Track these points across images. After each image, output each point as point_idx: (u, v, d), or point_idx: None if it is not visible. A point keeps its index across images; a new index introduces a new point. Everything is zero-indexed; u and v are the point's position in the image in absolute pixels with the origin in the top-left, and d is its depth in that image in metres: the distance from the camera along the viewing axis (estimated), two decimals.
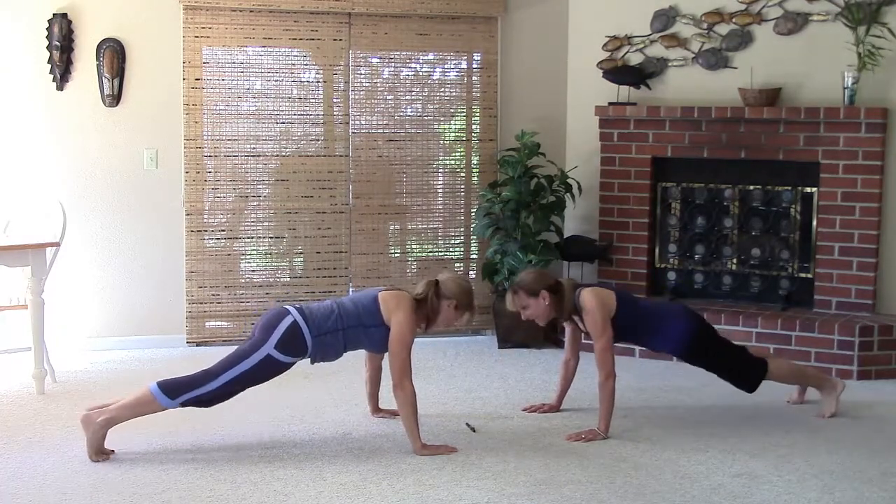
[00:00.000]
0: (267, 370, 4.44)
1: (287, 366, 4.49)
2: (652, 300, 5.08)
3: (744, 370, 4.98)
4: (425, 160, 6.92)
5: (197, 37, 6.43)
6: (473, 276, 7.02)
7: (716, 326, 6.11)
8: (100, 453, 4.33)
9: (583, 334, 5.01)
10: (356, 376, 5.11)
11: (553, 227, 6.72)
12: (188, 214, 6.51)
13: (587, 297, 4.80)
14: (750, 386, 4.98)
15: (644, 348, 4.80)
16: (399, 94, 6.86)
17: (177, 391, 4.34)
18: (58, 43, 6.19)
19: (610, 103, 6.75)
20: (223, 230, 6.60)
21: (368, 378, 4.98)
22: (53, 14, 6.20)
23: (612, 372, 4.72)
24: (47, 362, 5.52)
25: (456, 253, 7.06)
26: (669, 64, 6.72)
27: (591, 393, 5.35)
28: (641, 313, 4.94)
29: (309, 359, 4.55)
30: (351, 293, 4.67)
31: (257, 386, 4.50)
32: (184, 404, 4.37)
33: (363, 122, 6.78)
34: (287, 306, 4.54)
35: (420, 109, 6.91)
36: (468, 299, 4.68)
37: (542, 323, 4.95)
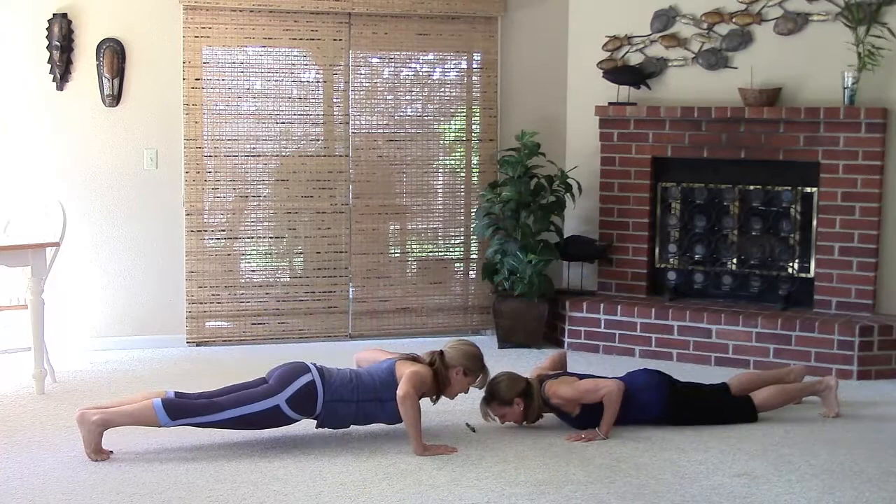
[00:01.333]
0: (270, 420, 4.46)
1: (290, 421, 4.50)
2: (619, 376, 5.04)
3: (733, 413, 4.98)
4: (425, 160, 6.92)
5: (197, 37, 6.43)
6: (473, 276, 7.02)
7: (715, 327, 6.16)
8: (98, 452, 4.32)
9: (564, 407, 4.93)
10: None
11: (553, 227, 6.71)
12: (188, 214, 6.51)
13: (548, 386, 4.80)
14: (750, 417, 4.99)
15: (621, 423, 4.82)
16: (399, 94, 6.86)
17: (178, 414, 4.35)
18: (58, 43, 6.19)
19: (610, 103, 6.75)
20: (223, 230, 6.60)
21: None
22: (53, 14, 6.20)
23: (615, 387, 4.72)
24: (47, 362, 5.52)
25: (456, 253, 7.06)
26: (669, 64, 6.72)
27: None
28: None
29: (315, 421, 4.55)
30: (367, 367, 4.69)
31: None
32: (181, 425, 4.39)
33: (363, 122, 6.78)
34: (308, 363, 4.55)
35: (420, 109, 6.91)
36: (475, 363, 4.67)
37: (519, 424, 4.90)
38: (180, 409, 4.36)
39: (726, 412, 4.98)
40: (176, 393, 4.46)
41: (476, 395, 5.47)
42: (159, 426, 4.37)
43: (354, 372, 4.61)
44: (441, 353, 4.67)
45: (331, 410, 4.49)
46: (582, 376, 4.94)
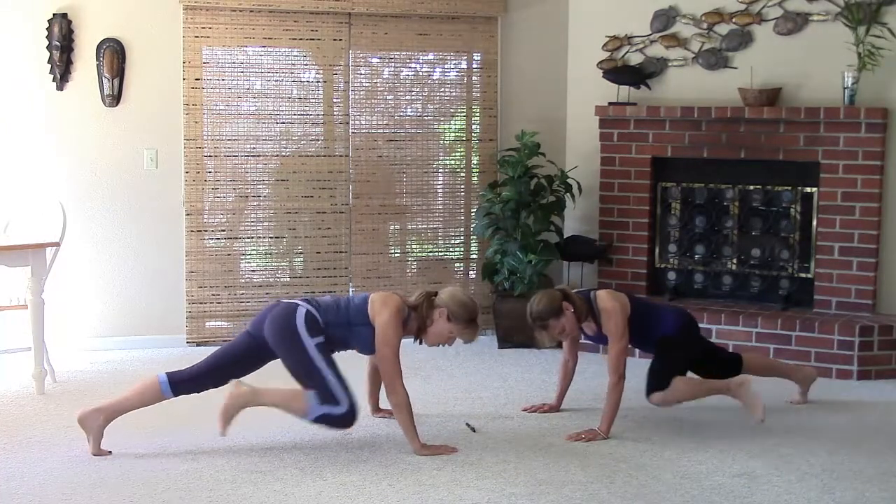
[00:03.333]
0: (328, 353, 4.43)
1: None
2: (653, 301, 5.14)
3: (724, 365, 5.08)
4: (425, 160, 6.92)
5: (197, 37, 6.43)
6: (473, 276, 7.02)
7: (715, 327, 6.18)
8: (99, 448, 4.35)
9: (583, 336, 4.99)
10: (355, 377, 5.10)
11: (553, 227, 6.72)
12: (188, 214, 6.51)
13: (606, 298, 4.79)
14: (735, 371, 5.05)
15: (637, 349, 4.84)
16: (399, 94, 6.86)
17: (180, 379, 4.46)
18: (58, 43, 6.19)
19: (610, 103, 6.75)
20: (223, 230, 6.60)
21: (368, 375, 4.98)
22: (53, 14, 6.20)
23: (624, 375, 4.72)
24: (47, 362, 5.52)
25: (456, 253, 7.06)
26: (669, 64, 6.72)
27: (591, 393, 5.36)
28: (644, 313, 4.95)
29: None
30: (346, 296, 4.65)
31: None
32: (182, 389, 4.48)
33: (363, 122, 6.78)
34: (294, 301, 4.53)
35: (420, 109, 6.92)
36: (462, 310, 4.54)
37: (574, 335, 4.90)
38: (184, 383, 4.44)
39: (716, 365, 5.07)
40: (168, 373, 4.48)
41: (476, 395, 5.48)
42: (161, 395, 4.42)
43: (336, 297, 4.60)
44: (434, 292, 4.61)
45: (327, 334, 4.44)
46: (633, 301, 4.91)
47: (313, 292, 6.70)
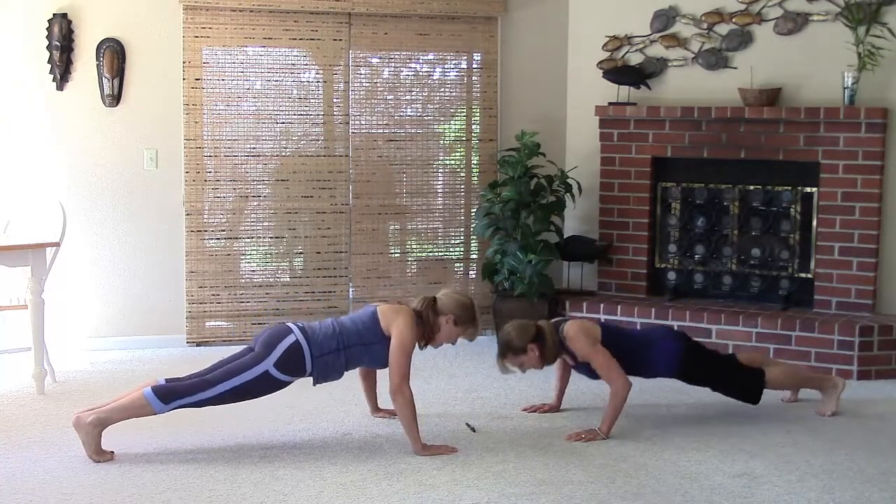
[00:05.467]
0: (263, 386, 4.44)
1: (284, 384, 4.49)
2: (638, 329, 5.09)
3: (743, 383, 5.00)
4: (425, 160, 6.92)
5: (197, 37, 6.43)
6: (473, 276, 7.02)
7: (715, 327, 6.16)
8: (99, 453, 4.32)
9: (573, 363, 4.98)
10: (355, 377, 5.10)
11: (553, 227, 6.71)
12: (188, 214, 6.51)
13: (569, 327, 4.81)
14: (754, 398, 5.00)
15: (635, 376, 4.83)
16: (399, 94, 6.86)
17: (171, 396, 4.34)
18: (58, 43, 6.19)
19: (610, 103, 6.75)
20: (223, 230, 6.60)
21: (362, 377, 4.98)
22: (53, 14, 6.20)
23: (626, 382, 4.72)
24: (47, 362, 5.52)
25: (456, 253, 7.06)
26: (669, 64, 6.72)
27: (591, 393, 5.36)
28: (627, 342, 4.94)
29: (311, 378, 4.53)
30: (350, 313, 4.65)
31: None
32: (176, 408, 4.38)
33: (363, 122, 6.78)
34: (290, 324, 4.54)
35: (420, 109, 6.92)
36: (467, 313, 4.62)
37: (541, 368, 4.90)
38: (171, 392, 4.34)
39: (738, 381, 4.98)
40: (166, 379, 4.46)
41: (476, 395, 5.48)
42: (155, 413, 4.35)
43: (337, 321, 4.59)
44: (433, 298, 4.63)
45: (321, 366, 4.47)
46: (603, 325, 4.91)
47: (313, 292, 6.71)
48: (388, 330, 4.49)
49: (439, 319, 4.59)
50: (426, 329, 4.59)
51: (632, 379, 4.76)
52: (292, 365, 4.42)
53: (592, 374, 4.88)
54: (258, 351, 4.44)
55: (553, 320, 4.97)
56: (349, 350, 4.51)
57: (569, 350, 4.83)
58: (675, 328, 5.18)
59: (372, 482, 4.11)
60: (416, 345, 4.61)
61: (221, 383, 4.37)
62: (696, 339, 5.16)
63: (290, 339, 4.43)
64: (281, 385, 4.48)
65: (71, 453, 4.39)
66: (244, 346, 4.60)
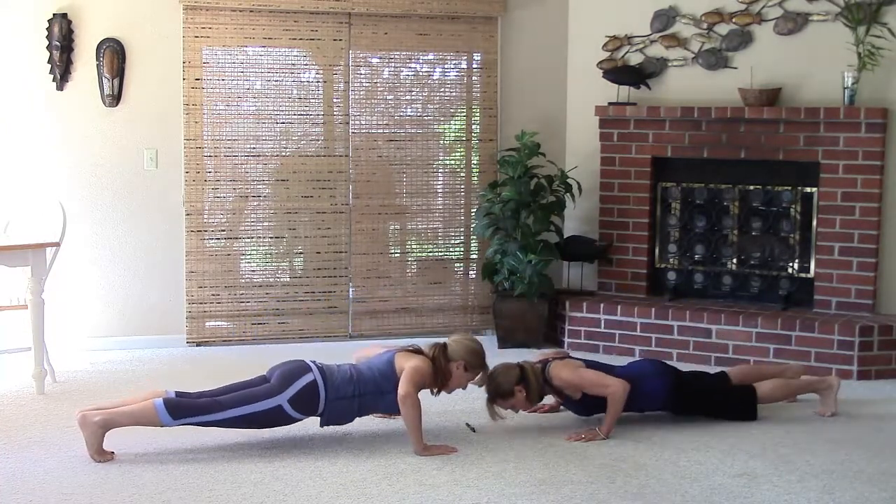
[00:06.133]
0: (272, 419, 4.46)
1: (294, 420, 4.50)
2: (623, 366, 5.06)
3: (735, 405, 5.00)
4: (425, 160, 6.92)
5: (197, 37, 6.43)
6: (473, 276, 7.02)
7: (715, 327, 6.16)
8: (100, 453, 4.32)
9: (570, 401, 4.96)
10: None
11: (553, 227, 6.71)
12: (188, 214, 6.51)
13: (553, 366, 4.83)
14: (750, 415, 5.00)
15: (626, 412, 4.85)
16: (399, 94, 6.86)
17: (180, 413, 4.35)
18: (58, 43, 6.19)
19: (610, 103, 6.75)
20: (223, 230, 6.60)
21: None
22: (53, 14, 6.20)
23: (621, 387, 4.72)
24: (47, 362, 5.52)
25: (456, 253, 7.06)
26: (669, 64, 6.72)
27: None
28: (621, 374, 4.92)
29: (319, 419, 4.55)
30: (366, 361, 4.69)
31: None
32: (183, 424, 4.38)
33: (363, 122, 6.78)
34: (309, 362, 4.55)
35: (420, 109, 6.91)
36: (477, 360, 4.67)
37: (530, 408, 4.93)
38: (182, 408, 4.35)
39: (730, 405, 5.00)
40: (177, 392, 4.46)
41: (476, 395, 5.48)
42: (161, 426, 4.36)
43: (354, 367, 4.61)
44: (444, 345, 4.66)
45: (334, 409, 4.49)
46: (588, 363, 4.94)
47: (313, 292, 6.71)
48: (400, 372, 4.51)
49: (451, 365, 4.63)
50: (439, 375, 4.61)
51: (633, 360, 4.74)
52: (306, 403, 4.45)
53: (582, 409, 4.89)
54: (274, 384, 4.45)
55: (537, 361, 4.94)
56: (363, 398, 4.53)
57: (555, 388, 4.84)
58: (662, 363, 5.12)
59: (372, 482, 4.11)
60: (430, 391, 4.66)
61: (233, 409, 4.38)
62: (685, 370, 5.16)
63: (307, 378, 4.45)
64: (290, 421, 4.49)
65: (71, 453, 4.40)
66: (259, 375, 4.60)
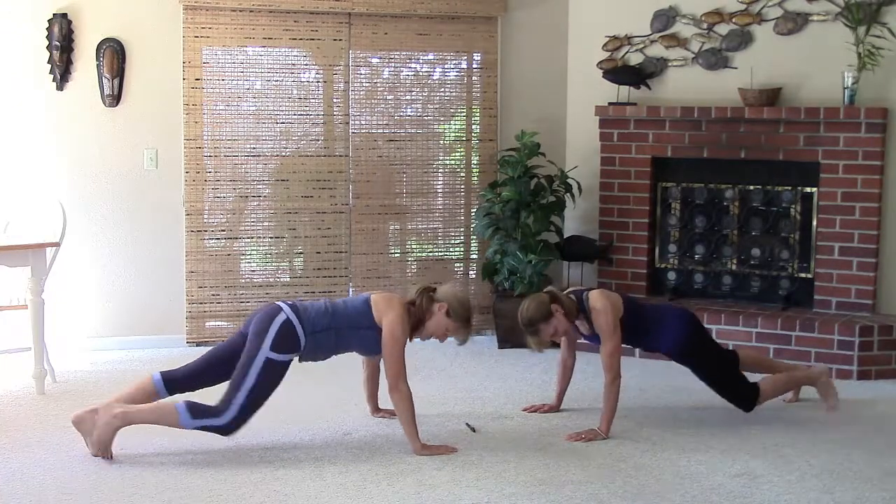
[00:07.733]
0: (271, 374, 4.41)
1: (287, 364, 4.47)
2: (653, 303, 5.11)
3: (738, 387, 4.99)
4: (425, 160, 6.92)
5: (197, 37, 6.43)
6: (473, 276, 7.02)
7: (715, 327, 6.16)
8: (104, 448, 4.31)
9: (579, 336, 5.00)
10: (356, 376, 5.11)
11: (553, 227, 6.71)
12: (188, 214, 6.51)
13: (597, 298, 4.80)
14: (747, 404, 4.99)
15: (639, 348, 4.83)
16: (399, 94, 6.86)
17: (199, 414, 4.35)
18: (58, 43, 6.19)
19: (610, 103, 6.75)
20: (223, 230, 6.60)
21: (367, 378, 4.99)
22: (53, 14, 6.20)
23: (619, 374, 4.73)
24: (47, 362, 5.52)
25: (456, 253, 7.06)
26: (669, 64, 6.72)
27: (591, 393, 5.36)
28: (643, 315, 4.95)
29: (297, 356, 4.53)
30: (342, 299, 4.66)
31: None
32: (204, 429, 4.37)
33: (363, 122, 6.78)
34: (279, 303, 4.53)
35: (420, 109, 6.92)
36: (461, 308, 4.60)
37: (569, 335, 4.92)
38: (199, 410, 4.35)
39: (736, 382, 4.98)
40: (161, 372, 4.48)
41: (476, 395, 5.48)
42: (180, 427, 4.35)
43: (329, 301, 4.58)
44: (432, 288, 4.62)
45: (312, 343, 4.46)
46: (628, 301, 4.91)
47: (313, 292, 6.71)
48: (379, 321, 4.48)
49: (433, 306, 4.58)
50: (417, 316, 4.56)
51: (633, 359, 4.73)
52: (287, 343, 4.41)
53: (592, 340, 4.93)
54: (251, 340, 4.42)
55: (573, 289, 4.95)
56: (340, 331, 4.49)
57: (588, 319, 4.81)
58: (690, 311, 5.16)
59: (372, 482, 4.11)
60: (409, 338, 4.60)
61: (237, 398, 4.34)
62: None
63: (280, 319, 4.43)
64: (286, 366, 4.44)
65: (71, 453, 4.40)
66: (237, 333, 4.59)
